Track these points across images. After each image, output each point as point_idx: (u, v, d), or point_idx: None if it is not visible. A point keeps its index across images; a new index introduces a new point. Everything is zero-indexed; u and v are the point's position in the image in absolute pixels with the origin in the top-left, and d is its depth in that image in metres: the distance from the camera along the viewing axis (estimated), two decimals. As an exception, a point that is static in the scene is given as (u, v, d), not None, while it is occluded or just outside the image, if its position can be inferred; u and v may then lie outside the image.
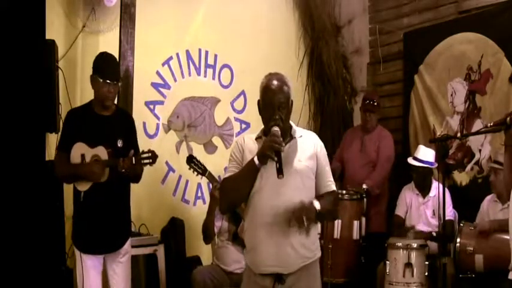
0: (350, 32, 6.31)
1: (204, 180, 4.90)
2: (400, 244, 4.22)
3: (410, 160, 4.78)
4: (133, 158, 3.42)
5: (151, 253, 4.44)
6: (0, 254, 3.76)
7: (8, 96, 3.86)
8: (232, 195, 2.74)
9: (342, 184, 5.14)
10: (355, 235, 4.53)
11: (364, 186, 4.77)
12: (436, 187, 4.65)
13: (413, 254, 4.13)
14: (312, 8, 6.04)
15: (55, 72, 4.15)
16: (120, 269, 3.57)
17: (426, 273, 4.13)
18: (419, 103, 5.50)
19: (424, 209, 4.73)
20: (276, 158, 2.53)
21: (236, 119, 5.51)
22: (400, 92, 5.75)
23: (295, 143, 2.73)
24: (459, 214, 4.71)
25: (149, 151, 3.47)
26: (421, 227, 4.67)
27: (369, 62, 6.16)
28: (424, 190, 4.77)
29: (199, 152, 5.11)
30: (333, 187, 2.84)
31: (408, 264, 4.12)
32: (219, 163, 4.96)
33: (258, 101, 2.74)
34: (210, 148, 5.33)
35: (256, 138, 2.75)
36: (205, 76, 5.35)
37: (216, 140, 5.39)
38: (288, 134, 2.73)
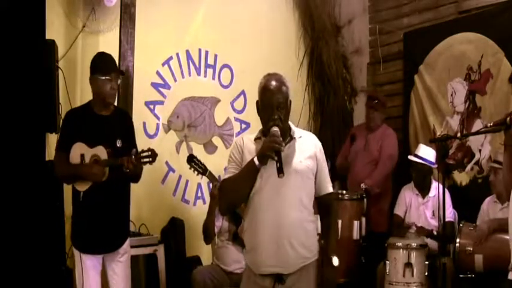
0: (350, 32, 6.31)
1: (204, 180, 4.90)
2: (400, 244, 4.22)
3: (410, 156, 4.78)
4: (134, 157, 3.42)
5: (151, 253, 4.44)
6: (0, 254, 3.76)
7: (8, 96, 3.86)
8: (232, 196, 2.74)
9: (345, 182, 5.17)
10: (355, 235, 4.53)
11: (363, 185, 4.77)
12: (435, 187, 4.65)
13: (413, 254, 4.12)
14: (312, 8, 6.04)
15: (55, 72, 4.15)
16: (119, 269, 3.56)
17: (426, 273, 4.13)
18: (419, 103, 5.50)
19: (423, 210, 4.73)
20: (276, 158, 2.53)
21: (236, 119, 5.51)
22: (400, 92, 5.75)
23: (295, 143, 2.73)
24: (459, 214, 4.70)
25: (149, 150, 3.47)
26: (422, 227, 4.68)
27: (369, 62, 6.16)
28: (423, 190, 4.76)
29: (199, 152, 5.11)
30: (331, 188, 2.87)
31: (408, 264, 4.11)
32: (219, 163, 4.95)
33: (257, 102, 2.74)
34: (210, 148, 5.33)
35: (255, 139, 2.75)
36: (205, 76, 5.35)
37: (216, 140, 5.39)
38: (287, 135, 2.73)
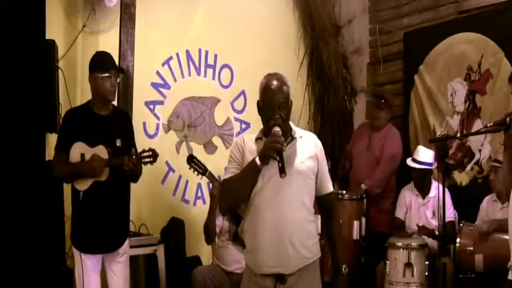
0: (350, 32, 6.31)
1: (204, 180, 4.90)
2: (400, 244, 4.22)
3: (409, 162, 4.77)
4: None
5: (151, 253, 4.44)
6: (0, 254, 3.76)
7: (8, 96, 3.86)
8: (233, 196, 2.73)
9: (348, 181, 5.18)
10: (355, 235, 4.53)
11: (363, 186, 4.77)
12: (436, 187, 4.65)
13: (413, 254, 4.13)
14: (312, 8, 6.04)
15: (55, 72, 4.15)
16: (119, 269, 3.57)
17: (426, 273, 4.13)
18: (419, 103, 5.50)
19: (424, 210, 4.73)
20: (278, 158, 2.52)
21: (236, 119, 5.51)
22: (400, 92, 5.75)
23: (296, 143, 2.73)
24: (459, 214, 4.70)
25: (150, 150, 3.47)
26: (422, 227, 4.68)
27: (369, 62, 6.16)
28: (423, 190, 4.76)
29: (199, 152, 5.11)
30: (331, 188, 2.87)
31: (408, 264, 4.12)
32: (219, 163, 4.96)
33: (258, 102, 2.73)
34: (210, 148, 5.33)
35: (256, 139, 2.75)
36: (205, 76, 5.35)
37: (216, 140, 5.39)
38: (288, 135, 2.72)
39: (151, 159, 3.46)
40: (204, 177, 4.40)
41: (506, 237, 2.82)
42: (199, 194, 5.21)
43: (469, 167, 5.07)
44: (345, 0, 6.26)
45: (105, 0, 4.38)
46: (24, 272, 3.80)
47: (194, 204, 5.18)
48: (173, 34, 5.14)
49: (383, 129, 5.09)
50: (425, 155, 4.71)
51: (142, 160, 3.45)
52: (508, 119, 2.63)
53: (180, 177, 5.09)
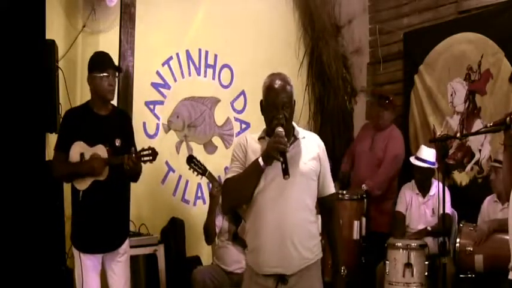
0: (350, 32, 6.31)
1: (204, 180, 4.90)
2: (400, 244, 4.22)
3: (413, 160, 4.76)
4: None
5: (151, 253, 4.43)
6: (0, 254, 3.76)
7: (8, 96, 3.85)
8: (236, 196, 2.73)
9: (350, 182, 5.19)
10: (355, 235, 4.54)
11: (364, 186, 4.77)
12: (436, 186, 4.66)
13: (413, 254, 4.13)
14: (312, 8, 6.04)
15: (55, 72, 4.15)
16: (119, 269, 3.57)
17: (426, 273, 4.13)
18: (419, 103, 5.50)
19: (424, 209, 4.73)
20: (281, 159, 2.52)
21: (236, 119, 5.51)
22: (400, 92, 5.75)
23: (299, 144, 2.72)
24: (459, 214, 4.71)
25: (149, 148, 3.47)
26: (422, 226, 4.67)
27: (369, 62, 6.16)
28: (424, 189, 4.76)
29: (199, 152, 5.11)
30: (333, 189, 2.86)
31: (408, 264, 4.12)
32: (219, 163, 4.97)
33: (261, 101, 2.72)
34: (210, 148, 5.33)
35: (259, 139, 2.74)
36: (205, 76, 5.35)
37: (216, 140, 5.39)
38: (291, 135, 2.72)
39: (151, 157, 3.46)
40: (204, 177, 4.39)
41: (506, 237, 2.82)
42: (199, 194, 5.20)
43: (469, 167, 5.07)
44: (345, 0, 6.26)
45: (106, 0, 4.38)
46: (24, 272, 3.80)
47: (194, 204, 5.18)
48: (173, 34, 5.14)
49: (386, 130, 5.09)
50: (428, 153, 4.71)
51: (142, 159, 3.44)
52: (508, 119, 2.63)
53: (180, 177, 5.09)
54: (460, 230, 4.23)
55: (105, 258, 3.55)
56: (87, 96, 3.75)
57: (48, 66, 4.06)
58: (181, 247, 4.92)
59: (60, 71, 4.29)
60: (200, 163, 4.33)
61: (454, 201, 4.72)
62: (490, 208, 4.37)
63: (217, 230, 4.29)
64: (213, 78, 5.40)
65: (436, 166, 4.70)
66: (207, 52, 5.34)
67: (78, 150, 3.46)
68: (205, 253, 4.93)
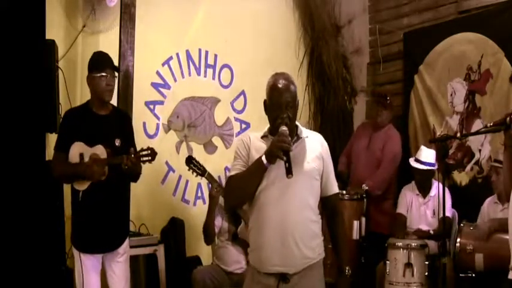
0: (350, 32, 6.31)
1: (204, 180, 4.89)
2: (400, 244, 4.22)
3: (413, 163, 4.75)
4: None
5: (151, 253, 4.43)
6: (0, 254, 3.76)
7: (8, 96, 3.86)
8: (239, 193, 2.72)
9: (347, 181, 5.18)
10: (355, 235, 4.53)
11: (364, 186, 4.77)
12: (436, 186, 4.65)
13: (413, 254, 4.13)
14: (312, 8, 6.04)
15: (55, 72, 4.15)
16: (118, 269, 3.56)
17: (426, 273, 4.13)
18: (419, 103, 5.50)
19: (424, 209, 4.73)
20: (285, 158, 2.52)
21: (236, 119, 5.50)
22: (400, 92, 5.75)
23: (302, 143, 2.73)
24: (459, 214, 4.70)
25: (148, 148, 3.47)
26: (423, 227, 4.67)
27: (369, 62, 6.16)
28: (424, 190, 4.76)
29: (199, 152, 5.11)
30: (337, 189, 2.86)
31: (408, 264, 4.11)
32: (219, 163, 4.97)
33: (265, 101, 2.73)
34: (210, 148, 5.33)
35: (262, 137, 2.74)
36: (205, 76, 5.35)
37: (216, 140, 5.39)
38: (294, 134, 2.72)
39: (150, 157, 3.46)
40: (203, 178, 4.39)
41: (507, 237, 2.82)
42: (199, 194, 5.20)
43: (468, 167, 5.07)
44: (345, 0, 6.26)
45: (106, 0, 4.38)
46: (24, 272, 3.79)
47: (194, 204, 5.18)
48: (173, 34, 5.14)
49: (383, 129, 5.08)
50: (428, 155, 4.70)
51: (141, 159, 3.44)
52: (508, 119, 2.63)
53: (180, 177, 5.09)
54: (461, 230, 4.22)
55: (105, 258, 3.55)
56: (87, 96, 3.75)
57: (48, 66, 4.06)
58: (181, 247, 4.92)
59: (60, 71, 4.29)
60: (199, 164, 4.32)
61: (454, 201, 4.72)
62: (490, 209, 4.37)
63: (216, 230, 4.29)
64: (213, 78, 5.40)
65: (435, 167, 4.70)
66: (207, 52, 5.34)
67: (77, 150, 3.46)
68: (205, 253, 4.92)
